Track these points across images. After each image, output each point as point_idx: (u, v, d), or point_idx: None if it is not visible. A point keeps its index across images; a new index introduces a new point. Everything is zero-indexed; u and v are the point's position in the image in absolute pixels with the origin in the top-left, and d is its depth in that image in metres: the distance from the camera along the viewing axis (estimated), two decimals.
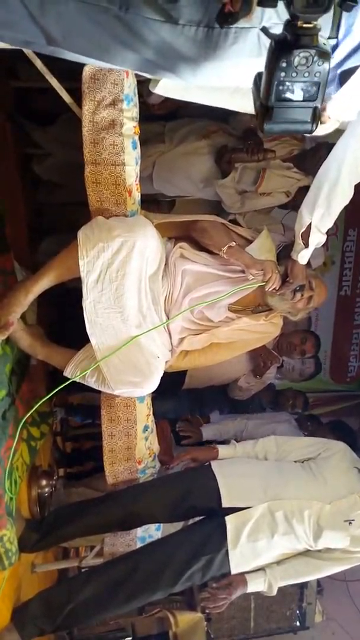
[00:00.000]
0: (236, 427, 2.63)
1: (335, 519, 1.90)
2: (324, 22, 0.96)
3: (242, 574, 1.89)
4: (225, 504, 1.90)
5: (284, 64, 0.87)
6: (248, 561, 1.88)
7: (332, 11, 0.91)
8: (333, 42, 1.11)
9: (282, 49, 0.88)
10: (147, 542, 2.09)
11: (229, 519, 1.87)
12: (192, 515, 2.01)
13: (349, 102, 1.25)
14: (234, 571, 1.87)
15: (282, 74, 0.88)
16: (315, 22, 0.86)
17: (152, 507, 1.95)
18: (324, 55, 0.87)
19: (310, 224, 1.78)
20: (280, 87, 0.90)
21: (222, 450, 2.12)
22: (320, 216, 1.75)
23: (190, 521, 2.06)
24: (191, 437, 2.62)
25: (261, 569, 1.91)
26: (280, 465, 2.03)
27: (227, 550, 1.85)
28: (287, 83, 0.90)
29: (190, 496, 1.93)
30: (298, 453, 2.08)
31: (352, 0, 0.87)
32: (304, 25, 0.85)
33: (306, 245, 1.83)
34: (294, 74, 0.88)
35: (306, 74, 0.89)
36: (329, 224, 1.78)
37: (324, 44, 0.88)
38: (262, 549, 1.88)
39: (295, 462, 2.06)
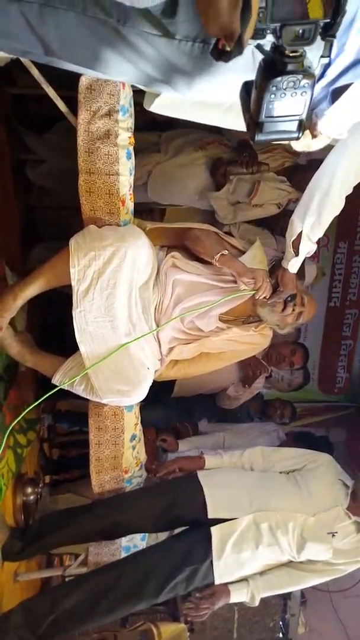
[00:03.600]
0: (213, 441, 2.62)
1: (318, 532, 1.91)
2: (318, 42, 0.99)
3: (226, 584, 1.90)
4: (211, 514, 1.91)
5: (273, 88, 0.95)
6: (232, 572, 1.89)
7: None
8: (326, 60, 1.13)
9: (270, 73, 0.95)
10: (132, 551, 2.08)
11: (215, 530, 1.88)
12: (177, 525, 2.01)
13: (340, 119, 1.27)
14: (217, 581, 1.87)
15: (272, 95, 0.96)
16: (301, 50, 0.93)
17: (137, 517, 1.94)
18: (310, 76, 0.95)
19: (301, 233, 1.79)
20: (270, 106, 0.98)
21: (209, 460, 2.13)
22: (310, 225, 1.76)
23: (176, 531, 2.06)
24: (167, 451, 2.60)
25: (244, 579, 1.92)
26: (266, 477, 2.04)
27: (211, 561, 1.85)
28: (276, 102, 0.98)
29: (176, 507, 1.93)
30: (284, 464, 2.09)
31: (331, 35, 0.94)
32: (291, 54, 0.92)
33: (296, 253, 1.85)
34: (282, 95, 0.97)
35: (293, 94, 0.97)
36: (320, 233, 1.80)
37: (309, 67, 0.96)
38: (246, 560, 1.89)
39: (280, 473, 2.07)
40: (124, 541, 2.07)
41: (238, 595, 1.91)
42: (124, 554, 2.08)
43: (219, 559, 1.85)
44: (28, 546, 1.94)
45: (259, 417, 3.01)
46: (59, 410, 3.03)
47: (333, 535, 1.91)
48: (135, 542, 2.11)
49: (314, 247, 1.87)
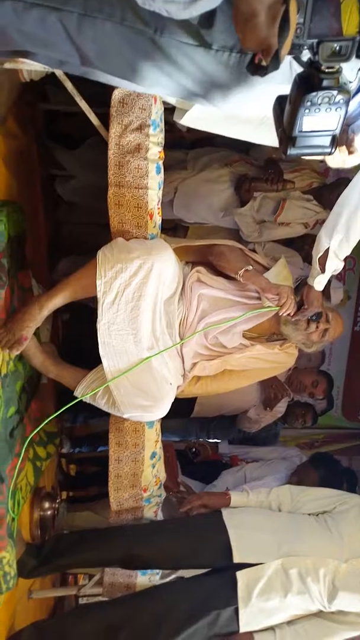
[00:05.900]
0: (234, 481, 2.57)
1: (351, 579, 1.76)
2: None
3: (251, 632, 1.75)
4: (237, 559, 1.79)
5: (307, 103, 0.96)
6: (259, 620, 1.74)
7: None
8: None
9: (306, 88, 0.96)
10: (149, 575, 2.01)
11: (240, 575, 1.75)
12: (200, 568, 1.91)
13: None
14: (242, 630, 1.73)
15: (306, 110, 0.97)
16: (337, 66, 0.93)
17: (156, 555, 1.85)
18: (345, 93, 0.96)
19: (328, 249, 1.77)
20: (304, 121, 0.99)
21: (235, 497, 2.00)
22: (338, 242, 1.74)
23: None
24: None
25: (270, 627, 1.77)
26: (294, 519, 1.92)
27: (236, 608, 1.72)
28: (310, 117, 0.99)
29: (199, 553, 1.84)
30: (313, 505, 1.96)
31: None
32: (327, 70, 0.93)
33: (323, 270, 1.82)
34: (316, 110, 0.98)
35: (328, 109, 0.97)
36: (347, 250, 1.77)
37: (345, 84, 0.96)
38: (274, 608, 1.74)
39: (310, 515, 1.94)
40: None
41: None
42: (140, 576, 2.02)
43: (246, 606, 1.72)
44: (41, 565, 1.87)
45: (282, 422, 2.92)
46: (77, 436, 2.99)
47: None
48: None
49: (341, 265, 1.84)
